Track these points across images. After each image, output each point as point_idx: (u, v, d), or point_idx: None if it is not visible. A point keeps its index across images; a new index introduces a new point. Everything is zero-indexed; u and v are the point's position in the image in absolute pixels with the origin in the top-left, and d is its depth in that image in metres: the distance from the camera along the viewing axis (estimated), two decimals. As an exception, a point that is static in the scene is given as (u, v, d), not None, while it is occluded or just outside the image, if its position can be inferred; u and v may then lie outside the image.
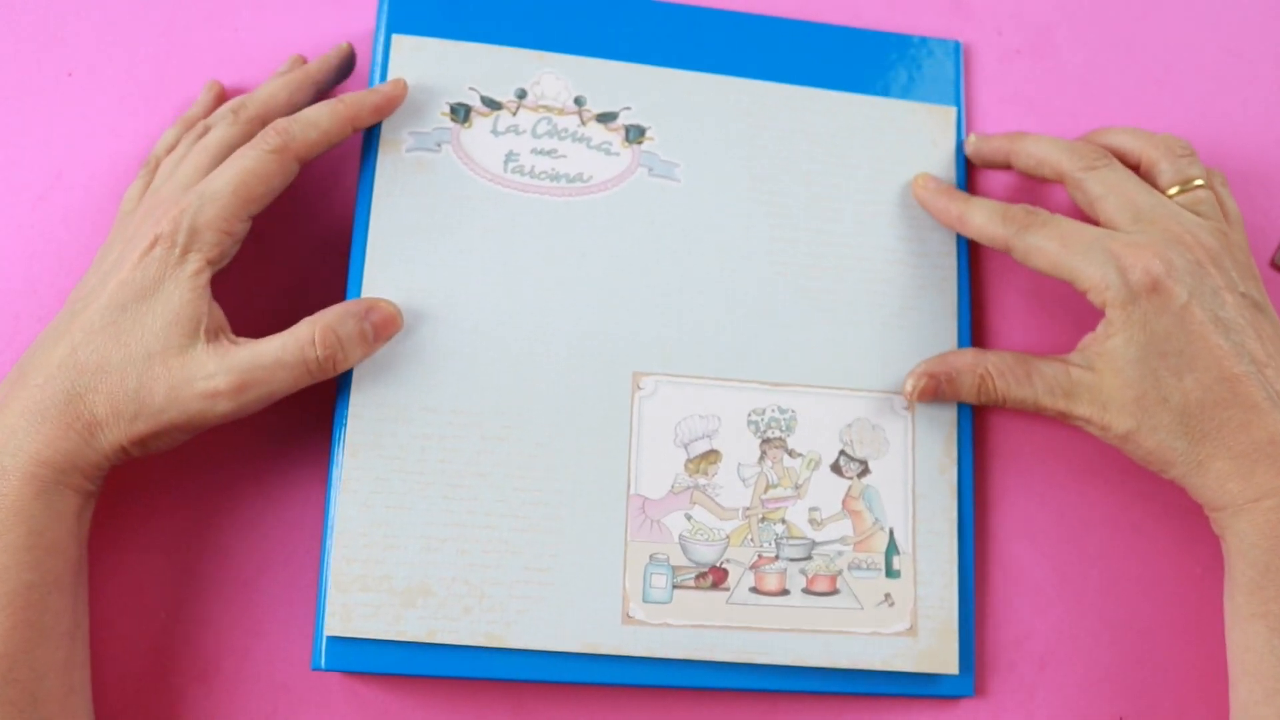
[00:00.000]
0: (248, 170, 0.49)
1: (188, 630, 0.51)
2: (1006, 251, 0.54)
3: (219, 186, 0.49)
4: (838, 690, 0.52)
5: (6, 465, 0.44)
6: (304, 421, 0.53)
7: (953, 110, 0.59)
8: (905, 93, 0.59)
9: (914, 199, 0.57)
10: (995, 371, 0.53)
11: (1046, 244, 0.52)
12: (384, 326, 0.50)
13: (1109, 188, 0.53)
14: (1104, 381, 0.51)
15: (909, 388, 0.54)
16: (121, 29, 0.58)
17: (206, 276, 0.48)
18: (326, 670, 0.49)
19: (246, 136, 0.52)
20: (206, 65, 0.57)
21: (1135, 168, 0.55)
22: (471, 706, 0.52)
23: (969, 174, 0.59)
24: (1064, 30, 0.63)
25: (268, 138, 0.50)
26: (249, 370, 0.47)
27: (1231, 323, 0.50)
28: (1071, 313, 0.58)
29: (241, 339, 0.48)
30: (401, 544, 0.50)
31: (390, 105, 0.53)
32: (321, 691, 0.51)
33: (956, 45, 0.60)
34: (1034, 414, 0.54)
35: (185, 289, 0.47)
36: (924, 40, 0.60)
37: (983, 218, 0.54)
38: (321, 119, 0.51)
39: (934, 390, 0.54)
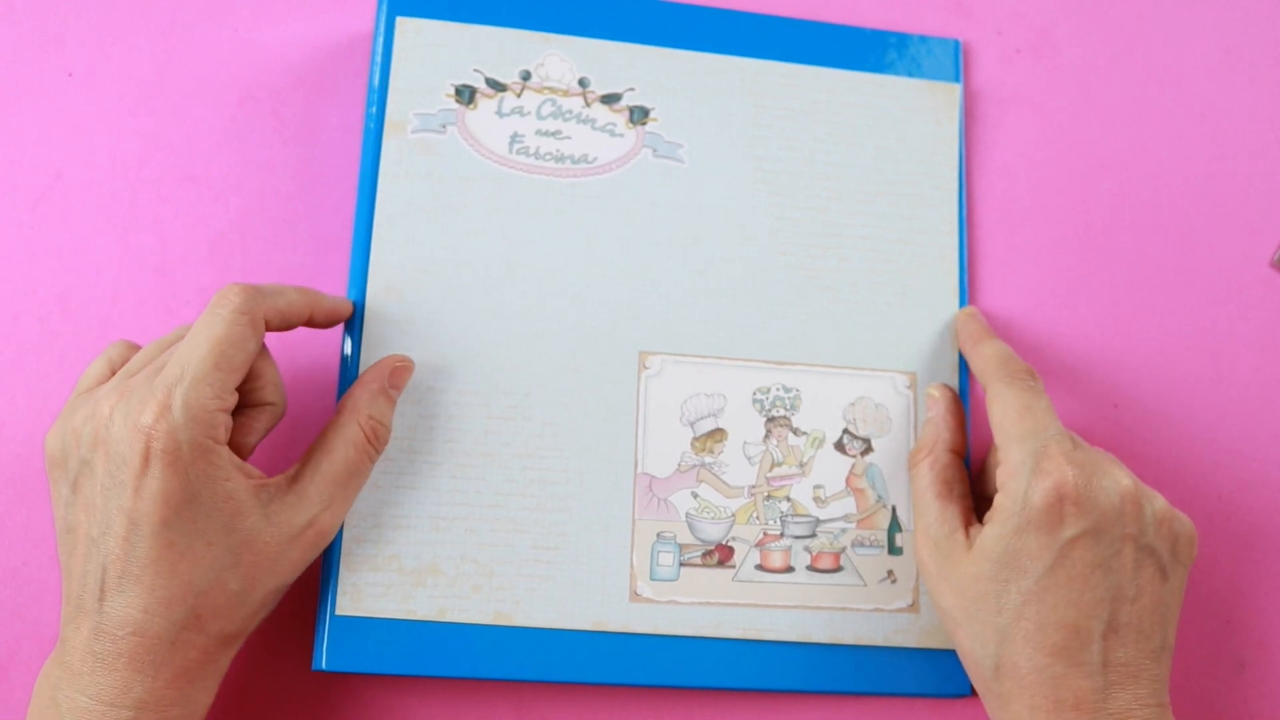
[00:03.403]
0: (220, 338, 0.44)
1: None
2: (984, 387, 0.51)
3: (196, 364, 0.43)
4: (843, 689, 0.52)
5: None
6: (303, 423, 0.53)
7: (956, 87, 0.59)
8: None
9: (917, 175, 0.58)
10: (930, 460, 0.52)
11: (1013, 403, 0.49)
12: (401, 376, 0.50)
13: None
14: (965, 557, 0.48)
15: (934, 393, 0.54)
16: (121, 29, 0.58)
17: (225, 455, 0.44)
18: (327, 670, 0.49)
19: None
20: (206, 65, 0.57)
21: None
22: (473, 706, 0.51)
23: (968, 152, 0.60)
24: (1064, 30, 0.63)
25: (229, 298, 0.45)
26: (340, 501, 0.47)
27: (1111, 575, 0.45)
28: (1071, 299, 0.59)
29: (285, 480, 0.46)
30: (410, 524, 0.50)
31: (338, 318, 0.51)
32: (321, 691, 0.51)
33: (956, 44, 0.61)
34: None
35: (218, 492, 0.43)
36: (924, 39, 0.60)
37: (991, 350, 0.52)
38: (288, 289, 0.48)
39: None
